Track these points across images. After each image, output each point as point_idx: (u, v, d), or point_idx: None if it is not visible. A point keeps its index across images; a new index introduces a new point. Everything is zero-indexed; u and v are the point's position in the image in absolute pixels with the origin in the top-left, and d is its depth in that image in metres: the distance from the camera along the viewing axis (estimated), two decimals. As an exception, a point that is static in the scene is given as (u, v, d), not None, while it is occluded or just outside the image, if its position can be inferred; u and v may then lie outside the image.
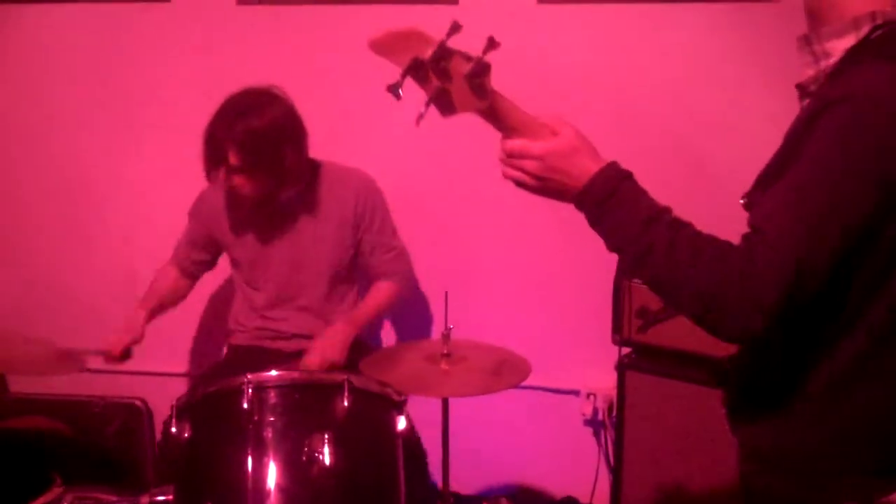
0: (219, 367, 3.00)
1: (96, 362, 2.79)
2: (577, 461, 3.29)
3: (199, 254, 3.01)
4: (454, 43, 1.41)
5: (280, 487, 1.96)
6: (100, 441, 3.24)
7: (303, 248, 2.88)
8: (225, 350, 3.13)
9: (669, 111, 3.04)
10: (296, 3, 3.24)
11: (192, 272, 3.04)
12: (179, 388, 3.44)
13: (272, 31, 3.27)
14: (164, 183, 3.36)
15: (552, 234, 3.12)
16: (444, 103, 1.45)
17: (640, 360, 2.86)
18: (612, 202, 1.45)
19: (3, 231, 3.50)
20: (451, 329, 2.45)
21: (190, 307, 3.20)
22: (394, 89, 1.42)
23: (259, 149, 2.65)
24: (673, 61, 3.03)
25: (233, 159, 2.66)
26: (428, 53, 1.40)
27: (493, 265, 3.26)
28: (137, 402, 3.28)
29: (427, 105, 1.44)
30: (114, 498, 2.31)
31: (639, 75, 3.06)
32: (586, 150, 1.49)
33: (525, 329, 3.14)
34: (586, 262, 2.99)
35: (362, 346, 2.90)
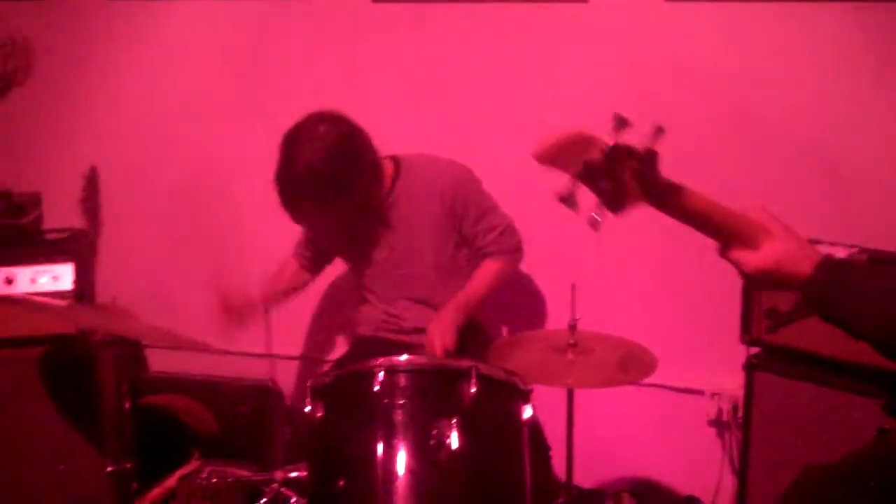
0: (351, 352, 3.08)
1: (231, 345, 2.91)
2: (700, 461, 3.25)
3: (314, 252, 3.09)
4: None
5: (409, 469, 2.00)
6: (233, 420, 3.38)
7: (401, 246, 2.91)
8: (350, 340, 3.20)
9: (798, 110, 2.98)
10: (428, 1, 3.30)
11: (310, 267, 3.12)
12: (309, 371, 3.55)
13: (407, 28, 3.33)
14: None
15: (683, 229, 3.09)
16: (615, 202, 1.42)
17: (770, 360, 2.80)
18: (833, 305, 1.48)
19: (135, 220, 3.62)
20: (578, 320, 2.46)
21: (318, 291, 3.29)
22: (568, 201, 1.42)
23: (329, 194, 2.67)
24: (801, 59, 2.97)
25: (309, 212, 2.72)
26: (598, 156, 1.37)
27: (623, 258, 3.25)
28: (269, 384, 3.41)
29: (599, 208, 1.42)
30: (249, 473, 2.39)
31: (766, 72, 3.00)
32: (799, 253, 1.51)
33: (651, 325, 3.11)
34: (716, 259, 2.95)
35: (478, 330, 2.95)
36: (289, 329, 3.54)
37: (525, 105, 3.23)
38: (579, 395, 2.59)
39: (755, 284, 1.63)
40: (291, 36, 3.44)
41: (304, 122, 2.69)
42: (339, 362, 3.01)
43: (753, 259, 1.50)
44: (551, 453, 2.91)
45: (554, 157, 1.39)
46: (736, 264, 1.53)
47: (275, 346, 3.39)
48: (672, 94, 3.06)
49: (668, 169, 1.45)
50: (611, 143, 1.37)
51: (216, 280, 2.85)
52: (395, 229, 2.89)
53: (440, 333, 2.73)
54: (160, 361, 3.68)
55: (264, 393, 3.40)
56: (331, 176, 2.64)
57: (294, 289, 3.10)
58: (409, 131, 3.24)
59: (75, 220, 3.34)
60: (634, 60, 3.10)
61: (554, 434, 2.79)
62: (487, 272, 2.93)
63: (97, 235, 3.08)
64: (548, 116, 3.15)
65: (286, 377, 3.49)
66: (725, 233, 1.52)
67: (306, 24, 3.42)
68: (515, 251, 2.97)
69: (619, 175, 1.39)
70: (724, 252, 1.54)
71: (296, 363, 3.61)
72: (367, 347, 2.95)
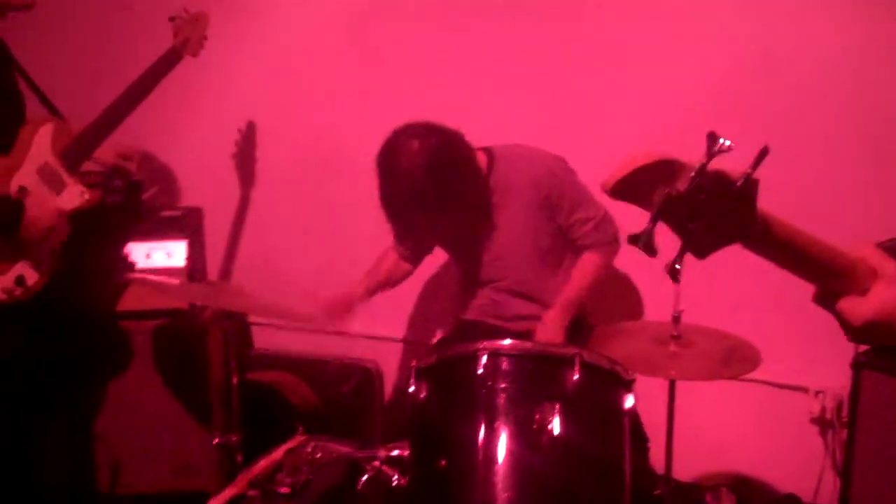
0: (452, 335, 3.12)
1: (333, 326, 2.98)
2: (801, 459, 3.21)
3: (414, 244, 3.11)
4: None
5: (510, 452, 2.02)
6: (334, 399, 3.45)
7: (498, 237, 2.93)
8: (453, 322, 3.24)
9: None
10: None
11: (411, 258, 3.15)
12: (409, 353, 3.60)
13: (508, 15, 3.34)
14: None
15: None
16: (702, 245, 1.14)
17: (878, 359, 2.74)
18: None
19: (259, 199, 3.72)
20: (681, 312, 2.45)
21: (421, 276, 3.33)
22: (644, 243, 1.14)
23: (435, 206, 2.69)
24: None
25: (416, 225, 2.78)
26: (685, 187, 1.09)
27: (728, 249, 3.20)
28: (370, 365, 3.47)
29: (682, 252, 1.15)
30: (352, 448, 2.44)
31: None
32: None
33: (755, 319, 3.07)
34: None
35: (580, 318, 2.97)
36: (391, 311, 3.59)
37: (621, 96, 3.21)
38: (679, 387, 2.57)
39: (860, 338, 1.22)
40: (397, 19, 3.48)
41: (395, 140, 2.71)
42: (442, 344, 3.05)
43: (860, 308, 1.20)
44: (649, 445, 2.91)
45: (628, 188, 1.11)
46: (839, 315, 1.23)
47: (377, 328, 3.47)
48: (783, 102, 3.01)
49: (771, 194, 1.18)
50: (701, 170, 1.09)
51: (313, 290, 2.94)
52: (492, 221, 2.91)
53: (549, 336, 2.76)
54: (265, 339, 3.78)
55: (365, 373, 3.46)
56: (435, 190, 2.66)
57: (394, 280, 3.14)
58: (505, 120, 3.26)
59: (189, 199, 3.48)
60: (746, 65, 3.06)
61: (652, 426, 2.78)
62: (587, 267, 2.94)
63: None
64: (643, 109, 3.13)
65: (387, 358, 3.54)
66: (824, 274, 1.23)
67: (411, 8, 3.45)
68: (612, 242, 2.96)
69: (710, 211, 1.10)
70: (822, 299, 1.26)
71: (396, 345, 3.66)
72: (469, 330, 2.98)
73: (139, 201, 3.25)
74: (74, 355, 2.89)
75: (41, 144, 2.72)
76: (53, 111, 2.81)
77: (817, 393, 3.15)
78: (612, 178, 1.11)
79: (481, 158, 2.88)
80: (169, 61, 2.89)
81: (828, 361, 3.02)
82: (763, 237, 1.15)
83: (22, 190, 2.67)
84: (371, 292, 3.03)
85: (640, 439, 2.83)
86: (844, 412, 3.07)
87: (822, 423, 3.18)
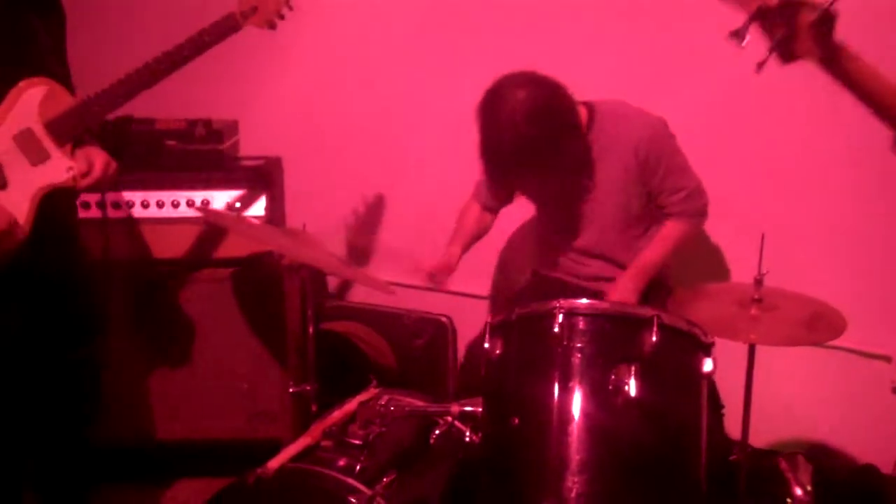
0: (524, 291, 3.10)
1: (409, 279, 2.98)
2: (881, 429, 3.13)
3: (496, 193, 3.07)
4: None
5: (584, 412, 2.00)
6: (407, 352, 3.46)
7: (590, 196, 2.88)
8: (530, 276, 3.22)
9: None
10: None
11: (493, 208, 3.12)
12: (481, 309, 3.59)
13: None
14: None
15: (882, 184, 2.97)
16: (785, 51, 1.47)
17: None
18: None
19: (327, 151, 3.71)
20: (764, 275, 2.39)
21: (495, 232, 3.30)
22: (738, 36, 1.45)
23: (539, 160, 2.64)
24: None
25: (517, 178, 2.74)
26: (776, 1, 1.43)
27: (816, 212, 3.13)
28: (443, 319, 3.47)
29: (770, 52, 1.47)
30: (425, 403, 2.44)
31: None
32: None
33: (836, 285, 2.99)
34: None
35: (658, 280, 2.92)
36: (465, 265, 3.57)
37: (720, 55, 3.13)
38: (758, 352, 2.52)
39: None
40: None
41: (500, 89, 2.65)
42: (519, 297, 3.03)
43: None
44: (724, 410, 2.86)
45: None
46: None
47: (451, 283, 3.46)
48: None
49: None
50: None
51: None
52: (586, 178, 2.86)
53: (619, 297, 2.75)
54: (340, 290, 3.80)
55: (439, 327, 3.46)
56: (538, 140, 2.60)
57: (482, 233, 3.11)
58: (601, 76, 3.19)
59: (270, 149, 3.48)
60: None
61: (727, 391, 2.74)
62: (670, 235, 2.90)
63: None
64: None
65: (461, 313, 3.53)
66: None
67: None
68: (700, 215, 2.92)
69: (795, 25, 1.44)
70: None
71: (470, 300, 3.65)
72: (547, 286, 2.95)
73: (219, 150, 3.26)
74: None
75: (26, 108, 2.38)
76: (66, 85, 2.51)
77: (901, 362, 3.07)
78: None
79: (582, 112, 2.81)
80: (222, 29, 2.53)
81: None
82: (844, 67, 1.47)
83: None
84: (466, 249, 3.02)
85: (715, 404, 2.79)
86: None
87: (905, 392, 3.11)
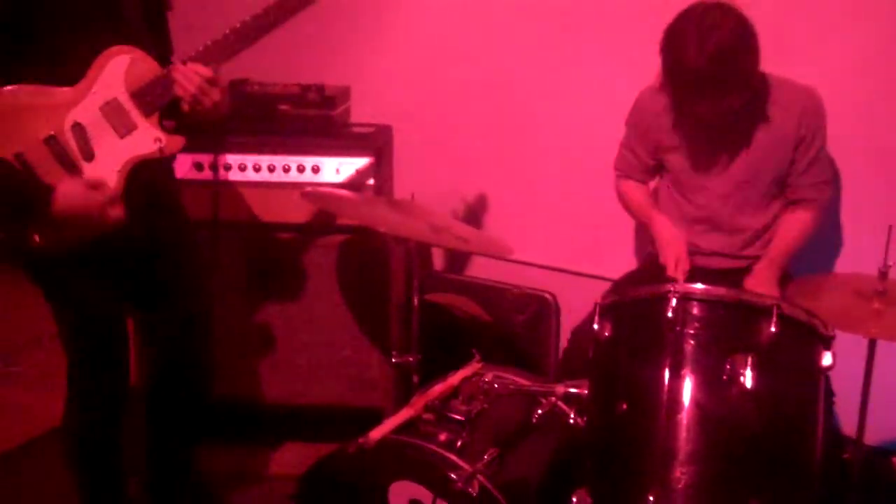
0: (638, 272, 3.03)
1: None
2: None
3: (644, 162, 2.99)
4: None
5: (696, 402, 1.95)
6: (510, 327, 3.43)
7: (742, 162, 2.79)
8: (645, 256, 3.14)
9: None
10: None
11: (643, 179, 3.05)
12: (587, 287, 3.51)
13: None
14: (602, 91, 3.34)
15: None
16: None
17: None
18: None
19: (437, 120, 3.66)
20: (890, 267, 2.28)
21: (607, 210, 3.24)
22: None
23: (730, 70, 2.56)
24: None
25: (704, 103, 2.63)
26: None
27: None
28: (548, 296, 3.42)
29: None
30: (530, 382, 2.41)
31: None
32: None
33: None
34: None
35: (785, 276, 2.83)
36: (571, 243, 3.53)
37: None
38: (878, 347, 2.41)
39: None
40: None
41: (692, 11, 2.60)
42: (631, 279, 2.98)
43: None
44: (835, 399, 2.75)
45: None
46: None
47: (556, 259, 3.42)
48: None
49: None
50: None
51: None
52: (741, 143, 2.78)
53: (761, 289, 2.68)
54: (443, 261, 3.79)
55: (543, 303, 3.41)
56: (737, 64, 2.56)
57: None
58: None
59: (380, 117, 3.46)
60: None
61: (839, 383, 2.63)
62: (800, 224, 2.84)
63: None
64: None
65: (565, 291, 3.48)
66: None
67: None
68: (826, 208, 2.89)
69: None
70: None
71: (575, 278, 3.59)
72: (659, 267, 2.86)
73: (331, 115, 3.26)
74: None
75: (111, 77, 2.32)
76: (160, 51, 2.47)
77: None
78: None
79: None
80: None
81: None
82: None
83: (76, 126, 2.30)
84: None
85: (827, 394, 2.69)
86: None
87: None
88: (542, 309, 3.41)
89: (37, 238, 2.22)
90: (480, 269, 3.65)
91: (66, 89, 2.30)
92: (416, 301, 2.63)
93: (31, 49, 2.25)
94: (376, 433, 2.18)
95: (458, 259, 3.75)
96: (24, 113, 2.25)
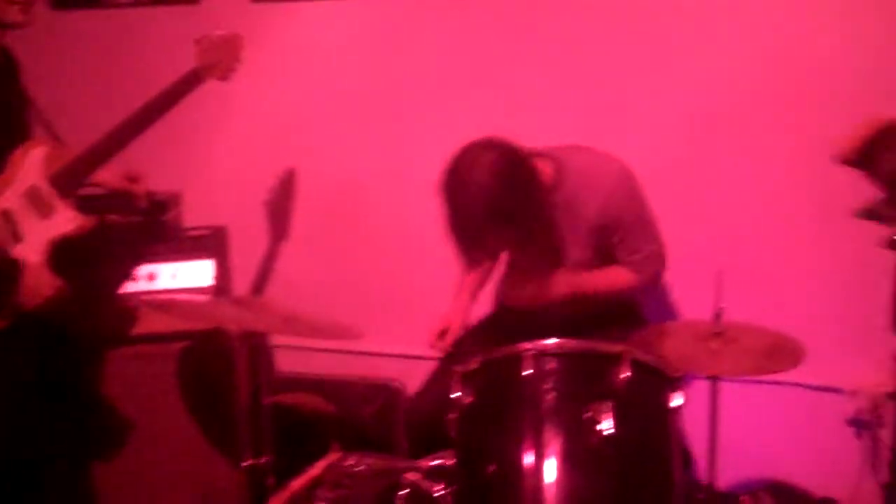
0: (487, 323, 3.11)
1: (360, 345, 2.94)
2: (838, 462, 3.16)
3: (473, 260, 3.01)
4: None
5: (561, 453, 1.98)
6: (360, 419, 3.39)
7: (549, 245, 2.83)
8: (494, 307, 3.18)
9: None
10: None
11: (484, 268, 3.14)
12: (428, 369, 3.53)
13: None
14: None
15: (831, 220, 3.02)
16: None
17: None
18: None
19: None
20: (723, 309, 2.41)
21: (445, 293, 3.28)
22: (875, 214, 1.30)
23: (510, 223, 2.60)
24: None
25: (487, 243, 2.75)
26: None
27: (768, 247, 3.20)
28: (395, 384, 3.42)
29: None
30: (393, 460, 2.39)
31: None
32: None
33: (795, 319, 2.99)
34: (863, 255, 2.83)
35: (639, 318, 2.97)
36: (410, 327, 3.54)
37: (667, 93, 3.23)
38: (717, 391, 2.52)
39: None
40: (435, 30, 3.47)
41: (464, 156, 2.59)
42: (482, 329, 3.05)
43: None
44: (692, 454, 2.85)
45: (861, 155, 1.17)
46: None
47: (397, 346, 3.42)
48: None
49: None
50: None
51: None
52: (554, 236, 2.80)
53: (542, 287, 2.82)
54: (286, 361, 3.72)
55: (390, 392, 3.41)
56: (510, 206, 2.55)
57: (484, 282, 3.15)
58: (557, 122, 3.25)
59: (213, 219, 3.42)
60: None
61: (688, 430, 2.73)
62: (616, 278, 2.85)
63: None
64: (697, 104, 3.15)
65: (411, 375, 3.47)
66: None
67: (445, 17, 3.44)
68: (652, 279, 2.90)
69: None
70: None
71: (419, 361, 3.59)
72: (511, 319, 2.95)
73: (163, 221, 3.20)
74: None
75: (31, 167, 2.64)
76: (52, 134, 2.75)
77: (852, 393, 3.10)
78: (846, 143, 1.18)
79: (546, 168, 2.74)
80: (189, 83, 2.74)
81: (862, 361, 3.01)
82: None
83: (5, 214, 2.59)
84: (474, 298, 3.10)
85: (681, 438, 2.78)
86: (881, 412, 3.04)
87: (857, 423, 3.13)
88: (389, 397, 3.41)
89: None
90: (325, 365, 3.60)
91: None
92: (264, 401, 2.57)
93: None
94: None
95: (300, 357, 3.69)
96: None
